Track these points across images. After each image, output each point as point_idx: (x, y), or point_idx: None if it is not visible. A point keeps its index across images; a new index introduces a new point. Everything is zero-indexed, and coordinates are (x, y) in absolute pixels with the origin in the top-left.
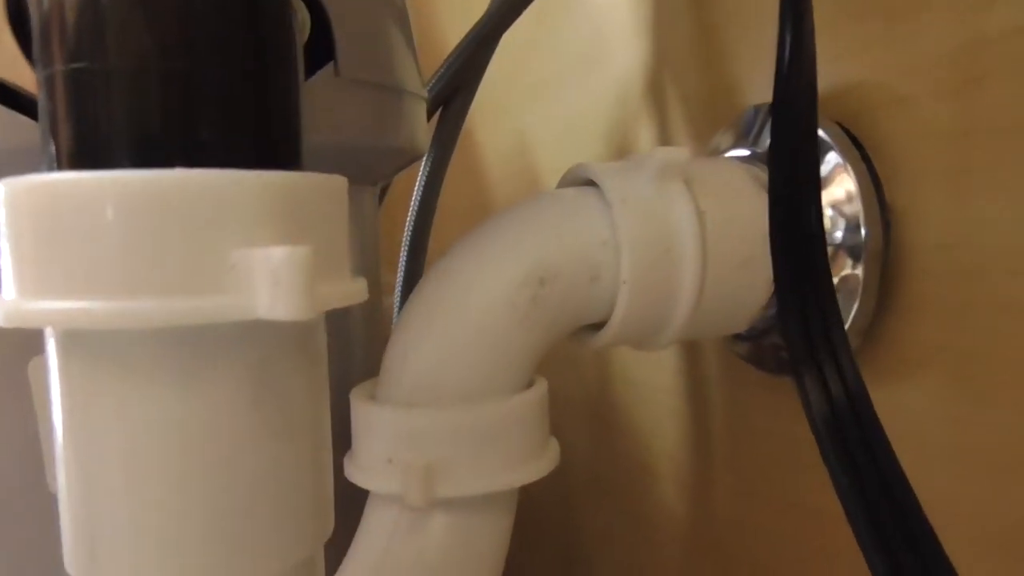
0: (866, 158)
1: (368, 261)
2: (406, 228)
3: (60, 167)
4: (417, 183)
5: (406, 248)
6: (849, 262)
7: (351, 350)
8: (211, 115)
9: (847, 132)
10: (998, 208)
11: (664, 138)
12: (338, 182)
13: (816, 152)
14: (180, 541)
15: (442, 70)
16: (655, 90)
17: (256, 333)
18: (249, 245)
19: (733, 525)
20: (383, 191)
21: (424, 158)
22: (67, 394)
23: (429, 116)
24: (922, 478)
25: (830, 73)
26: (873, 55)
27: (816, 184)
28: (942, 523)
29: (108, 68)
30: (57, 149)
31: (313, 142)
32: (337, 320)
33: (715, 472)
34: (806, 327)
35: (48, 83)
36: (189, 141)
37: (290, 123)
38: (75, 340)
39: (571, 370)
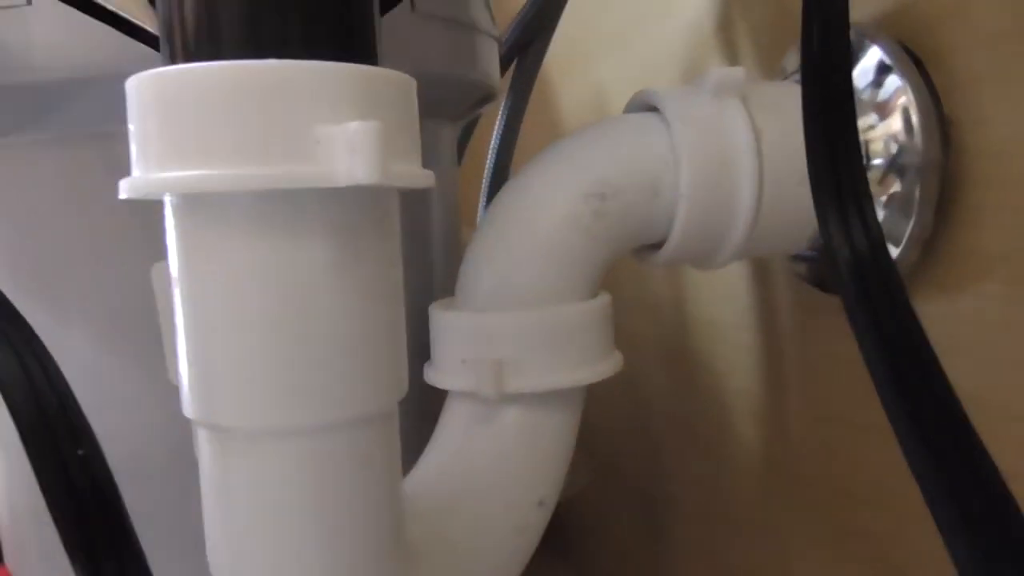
0: (923, 72)
1: (446, 199)
2: (484, 176)
3: (175, 63)
4: (495, 131)
5: (484, 196)
6: (909, 176)
7: (432, 292)
8: (301, 17)
9: (906, 49)
10: None
11: None
12: (408, 79)
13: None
14: (276, 375)
15: (518, 17)
16: (724, 27)
17: (344, 202)
18: (332, 123)
19: (808, 451)
20: (461, 148)
21: (501, 106)
22: (183, 253)
23: (506, 64)
24: (990, 386)
25: None
26: None
27: (846, 44)
28: (1015, 429)
29: None
30: (172, 49)
31: None
32: (421, 266)
33: (788, 402)
34: (836, 182)
35: None
36: (282, 38)
37: (367, 26)
38: (191, 204)
39: (649, 315)
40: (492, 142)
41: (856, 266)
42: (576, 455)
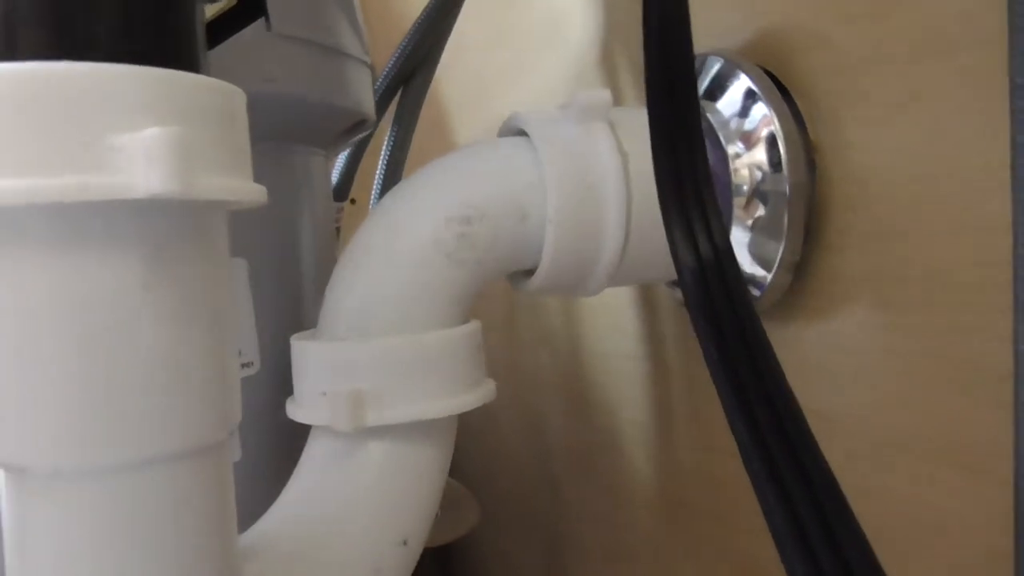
0: (789, 99)
1: (320, 229)
2: (370, 207)
3: None
4: (379, 163)
5: None
6: (777, 201)
7: (303, 325)
8: (108, 19)
9: (771, 76)
10: (896, 135)
11: (617, 103)
12: (231, 88)
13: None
14: (76, 409)
15: (400, 47)
16: (607, 60)
17: (150, 217)
18: (130, 131)
19: (695, 480)
20: (349, 179)
21: (386, 138)
22: None
23: (391, 95)
24: (867, 407)
25: (755, 19)
26: None
27: (688, 38)
28: (897, 442)
29: None
30: None
31: (249, 93)
32: (291, 298)
33: (676, 430)
34: (679, 187)
35: None
36: (87, 41)
37: (185, 33)
38: None
39: (546, 350)
40: (376, 174)
41: (699, 274)
42: (462, 495)
